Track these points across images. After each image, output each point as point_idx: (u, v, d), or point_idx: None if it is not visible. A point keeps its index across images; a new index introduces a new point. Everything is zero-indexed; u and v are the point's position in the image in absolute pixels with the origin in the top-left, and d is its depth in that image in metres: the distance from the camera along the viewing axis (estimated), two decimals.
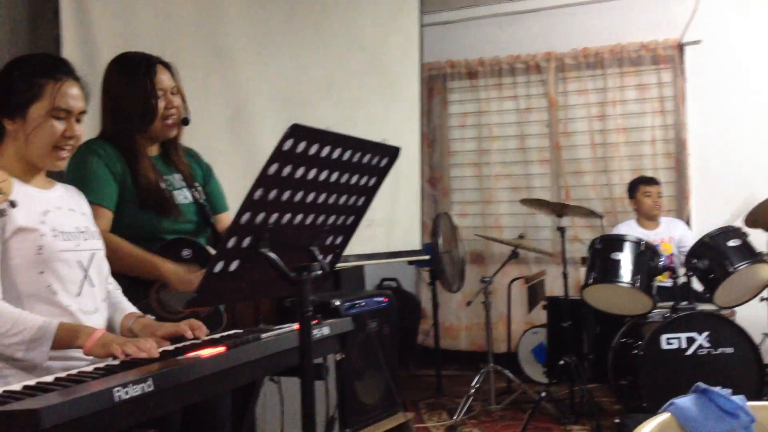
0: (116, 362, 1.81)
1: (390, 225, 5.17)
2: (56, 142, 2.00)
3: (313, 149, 1.65)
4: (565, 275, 4.52)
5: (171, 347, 1.99)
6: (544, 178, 6.10)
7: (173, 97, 2.55)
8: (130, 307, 2.24)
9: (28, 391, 1.53)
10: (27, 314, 1.88)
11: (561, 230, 4.53)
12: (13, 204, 1.55)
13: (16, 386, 1.58)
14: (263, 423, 3.46)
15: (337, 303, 4.12)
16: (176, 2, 3.94)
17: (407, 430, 4.39)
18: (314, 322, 2.08)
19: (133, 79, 2.51)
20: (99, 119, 2.59)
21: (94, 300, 2.08)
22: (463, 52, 6.24)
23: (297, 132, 1.57)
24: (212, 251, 2.51)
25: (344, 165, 1.79)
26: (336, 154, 1.73)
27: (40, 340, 1.84)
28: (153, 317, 2.23)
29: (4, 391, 1.53)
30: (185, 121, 2.60)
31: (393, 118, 5.15)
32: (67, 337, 1.87)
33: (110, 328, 2.16)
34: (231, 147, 4.12)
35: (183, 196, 2.59)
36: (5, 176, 1.53)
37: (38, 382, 1.61)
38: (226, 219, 2.70)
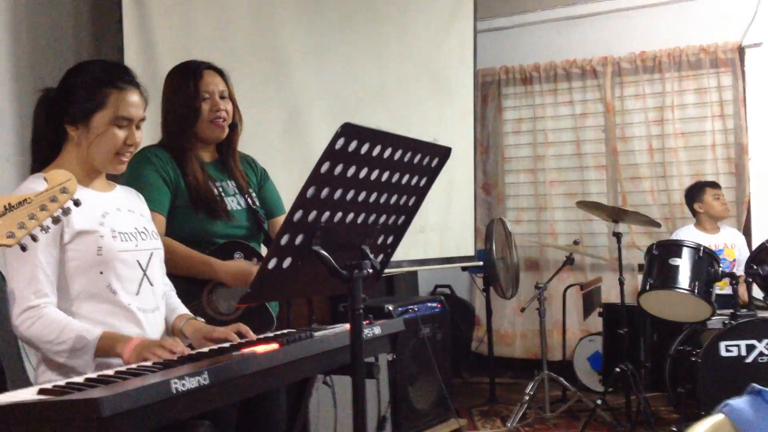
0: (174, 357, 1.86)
1: (443, 231, 5.18)
2: (118, 150, 2.06)
3: (365, 148, 1.67)
4: (621, 282, 4.46)
5: (226, 344, 2.04)
6: (601, 184, 6.03)
7: (221, 101, 2.61)
8: (182, 309, 2.29)
9: (90, 383, 1.58)
10: (72, 322, 1.93)
11: (617, 236, 4.48)
12: (77, 203, 1.61)
13: (78, 378, 1.64)
14: (316, 427, 3.49)
15: (390, 307, 4.14)
16: (234, 12, 4.03)
17: None
18: (366, 321, 2.10)
19: (181, 82, 2.59)
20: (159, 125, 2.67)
21: (154, 299, 2.14)
22: (518, 58, 6.22)
23: (348, 131, 1.60)
24: (264, 254, 2.56)
25: (395, 164, 1.81)
26: (387, 153, 1.75)
27: (82, 349, 1.90)
28: (203, 320, 2.27)
29: (67, 383, 1.59)
30: (233, 126, 2.66)
31: (446, 125, 5.16)
32: (106, 347, 1.92)
33: (167, 328, 2.22)
34: (286, 153, 4.17)
35: (236, 203, 2.65)
36: (69, 175, 1.59)
37: (99, 375, 1.66)
38: (281, 222, 2.74)
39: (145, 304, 2.10)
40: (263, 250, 2.81)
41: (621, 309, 4.46)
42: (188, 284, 2.45)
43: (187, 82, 2.58)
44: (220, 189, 2.62)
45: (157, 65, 3.57)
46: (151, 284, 2.13)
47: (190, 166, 2.56)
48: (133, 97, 2.08)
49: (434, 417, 4.34)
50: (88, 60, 2.21)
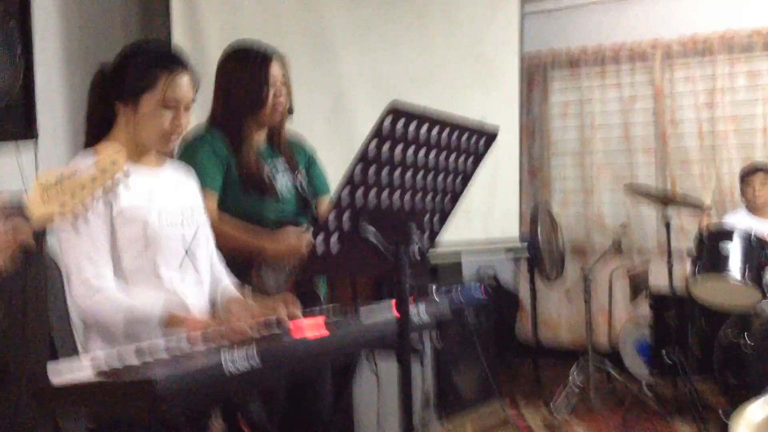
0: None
1: (488, 215, 5.15)
2: (164, 131, 2.09)
3: (412, 127, 1.67)
4: (669, 268, 4.39)
5: (276, 325, 2.06)
6: (649, 168, 5.93)
7: (282, 88, 2.64)
8: (230, 286, 2.31)
9: (144, 363, 1.61)
10: (131, 299, 1.98)
11: (666, 221, 4.41)
12: (126, 174, 1.63)
13: (135, 360, 1.67)
14: (360, 409, 3.52)
15: (433, 292, 4.14)
16: None
17: (505, 422, 4.37)
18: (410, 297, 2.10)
19: (247, 68, 2.61)
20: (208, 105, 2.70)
21: (197, 274, 2.16)
22: (565, 41, 6.13)
23: (396, 109, 1.60)
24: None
25: (442, 144, 1.81)
26: (434, 133, 1.75)
27: (140, 324, 1.94)
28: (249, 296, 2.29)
29: (122, 363, 1.63)
30: (290, 110, 2.70)
31: (491, 109, 5.11)
32: (168, 326, 1.96)
33: (212, 305, 2.25)
34: (331, 137, 4.20)
35: (285, 181, 2.68)
36: (119, 148, 1.62)
37: (155, 358, 1.69)
38: (327, 202, 2.77)
39: (189, 280, 2.12)
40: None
41: (669, 295, 4.40)
42: (236, 262, 2.48)
43: (253, 70, 2.60)
44: (271, 169, 2.65)
45: (204, 47, 3.62)
46: (196, 260, 2.16)
47: (244, 147, 2.59)
48: (183, 79, 2.10)
49: (478, 401, 4.34)
50: (144, 39, 2.25)
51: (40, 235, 1.56)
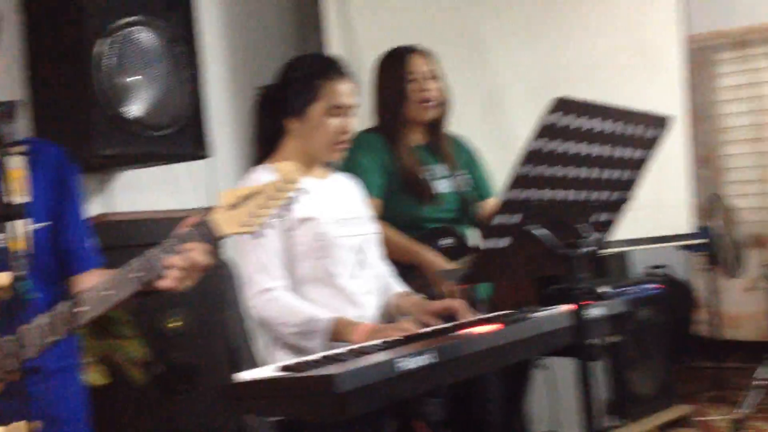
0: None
1: (656, 208, 4.91)
2: (335, 139, 2.15)
3: (579, 122, 1.62)
4: None
5: (448, 324, 2.06)
6: None
7: (428, 82, 2.64)
8: (399, 287, 2.34)
9: (324, 360, 1.66)
10: (303, 305, 2.03)
11: None
12: (303, 191, 1.69)
13: (314, 356, 1.72)
14: (531, 410, 3.45)
15: (605, 289, 4.00)
16: None
17: (686, 422, 4.16)
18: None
19: (388, 66, 2.65)
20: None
21: (368, 282, 2.20)
22: (732, 21, 5.77)
23: (562, 105, 1.56)
24: (472, 241, 2.56)
25: (611, 137, 1.75)
26: (602, 126, 1.69)
27: (314, 332, 2.00)
28: (421, 295, 2.30)
29: (305, 360, 1.68)
30: (443, 106, 2.68)
31: (655, 96, 4.88)
32: (338, 332, 2.00)
33: (384, 308, 2.27)
34: (487, 136, 4.14)
35: (444, 186, 2.67)
36: (294, 165, 1.68)
37: (334, 352, 1.74)
38: (492, 204, 2.73)
39: (361, 288, 2.16)
40: (472, 234, 2.82)
41: None
42: (396, 270, 2.50)
43: (393, 67, 2.65)
44: (429, 172, 2.65)
45: (360, 55, 3.69)
46: (367, 268, 2.19)
47: (401, 150, 2.62)
48: (345, 85, 2.15)
49: (657, 403, 4.16)
50: (301, 54, 2.32)
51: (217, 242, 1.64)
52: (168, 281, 1.59)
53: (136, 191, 3.32)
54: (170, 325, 2.87)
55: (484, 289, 2.69)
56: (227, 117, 3.73)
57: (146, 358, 2.65)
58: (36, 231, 1.69)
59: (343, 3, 3.78)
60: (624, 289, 4.06)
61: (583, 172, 1.74)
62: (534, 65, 4.38)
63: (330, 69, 2.16)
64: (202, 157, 3.11)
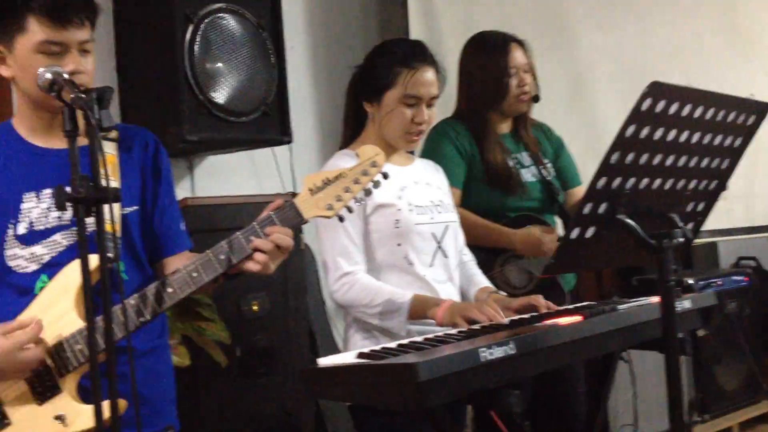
0: (476, 326, 1.89)
1: (749, 198, 4.74)
2: (407, 128, 2.13)
3: (673, 108, 1.56)
4: None
5: (527, 315, 2.03)
6: None
7: (525, 75, 2.59)
8: (484, 281, 2.30)
9: (402, 349, 1.65)
10: (383, 286, 2.03)
11: None
12: (385, 176, 1.68)
13: (392, 344, 1.72)
14: (613, 404, 3.38)
15: (691, 281, 3.90)
16: None
17: None
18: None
19: (487, 58, 2.60)
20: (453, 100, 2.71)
21: (447, 270, 2.18)
22: None
23: (656, 90, 1.50)
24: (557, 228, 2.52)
25: (706, 124, 1.68)
26: (698, 112, 1.63)
27: (393, 312, 1.99)
28: (504, 293, 2.27)
29: (382, 348, 1.68)
30: (536, 99, 2.63)
31: (751, 80, 4.70)
32: (419, 309, 1.99)
33: (464, 299, 2.25)
34: (572, 123, 4.06)
35: (530, 174, 2.62)
36: (378, 150, 1.67)
37: (410, 341, 1.73)
38: (578, 193, 2.68)
39: (439, 276, 2.15)
40: (558, 223, 2.76)
41: None
42: (480, 256, 2.48)
43: (494, 58, 2.59)
44: (516, 162, 2.61)
45: (441, 41, 3.66)
46: (446, 256, 2.17)
47: (488, 140, 2.58)
48: (425, 75, 2.11)
49: (744, 398, 4.03)
50: (391, 39, 2.30)
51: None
52: (253, 264, 1.61)
53: (218, 176, 3.38)
54: (252, 308, 2.92)
55: (569, 280, 2.64)
56: (308, 102, 3.75)
57: (227, 341, 2.70)
58: (126, 215, 1.74)
59: None
60: (712, 280, 3.96)
61: (677, 161, 1.67)
62: (621, 49, 4.27)
63: (411, 57, 2.12)
64: (286, 142, 3.14)
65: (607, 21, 4.23)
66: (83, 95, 1.43)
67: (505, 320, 1.92)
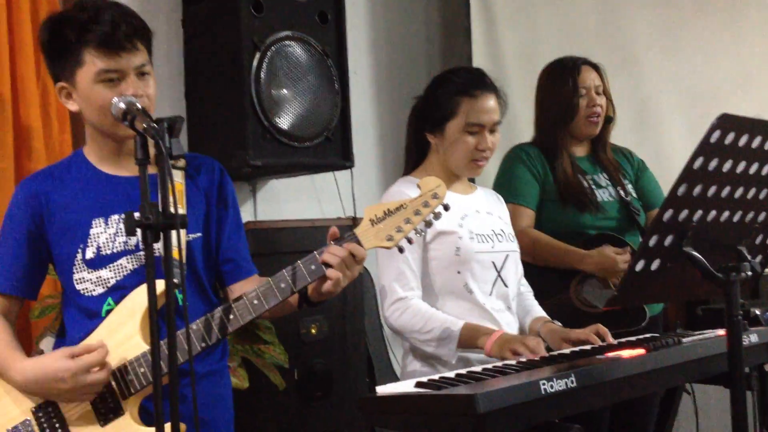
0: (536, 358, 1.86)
1: None
2: (471, 156, 2.13)
3: (743, 140, 1.53)
4: None
5: (588, 347, 2.00)
6: None
7: (597, 96, 2.59)
8: (539, 312, 2.29)
9: (461, 379, 1.64)
10: (436, 313, 2.03)
11: None
12: (446, 207, 1.69)
13: (450, 374, 1.71)
14: None
15: (758, 312, 3.78)
16: (579, 7, 3.98)
17: None
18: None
19: (557, 80, 2.61)
20: None
21: (506, 299, 2.17)
22: None
23: (726, 122, 1.47)
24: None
25: None
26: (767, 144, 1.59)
27: (447, 338, 1.98)
28: (559, 323, 2.23)
29: (441, 378, 1.67)
30: (608, 120, 2.64)
31: None
32: (469, 338, 1.99)
33: (521, 330, 2.23)
34: (637, 148, 4.01)
35: (607, 194, 2.61)
36: (440, 182, 1.68)
37: (468, 371, 1.72)
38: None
39: (498, 305, 2.14)
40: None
41: None
42: (557, 276, 2.46)
43: (564, 79, 2.61)
44: (591, 182, 2.61)
45: (503, 67, 3.65)
46: (505, 285, 2.16)
47: (560, 160, 2.58)
48: (486, 103, 2.12)
49: None
50: (451, 68, 2.31)
51: None
52: (327, 284, 1.63)
53: (280, 199, 3.42)
54: (310, 331, 2.94)
55: (655, 306, 2.60)
56: (369, 128, 3.79)
57: (286, 364, 2.72)
58: (190, 241, 1.77)
59: (489, 13, 3.76)
60: None
61: (746, 194, 1.63)
62: (688, 75, 4.19)
63: (471, 85, 2.13)
64: (347, 167, 3.17)
65: (672, 48, 4.17)
66: (155, 125, 1.47)
67: (542, 353, 1.89)
